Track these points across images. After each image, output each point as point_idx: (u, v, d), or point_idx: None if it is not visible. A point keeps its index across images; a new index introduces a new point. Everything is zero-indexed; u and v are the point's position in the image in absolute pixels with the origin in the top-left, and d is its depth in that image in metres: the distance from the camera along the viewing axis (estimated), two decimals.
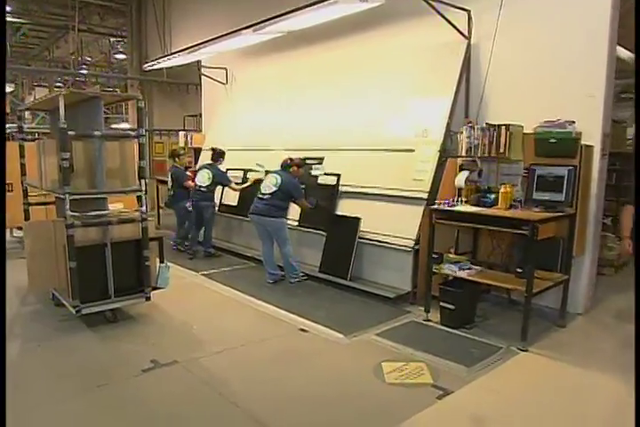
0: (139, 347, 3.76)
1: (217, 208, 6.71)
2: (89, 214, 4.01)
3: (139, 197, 4.16)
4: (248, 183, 6.43)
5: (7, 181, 6.34)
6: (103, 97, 4.10)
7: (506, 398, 3.04)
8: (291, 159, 5.34)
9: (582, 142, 4.14)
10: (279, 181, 5.18)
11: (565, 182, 4.01)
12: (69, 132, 3.77)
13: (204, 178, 6.47)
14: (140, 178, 4.15)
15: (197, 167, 7.01)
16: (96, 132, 4.02)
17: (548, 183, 4.09)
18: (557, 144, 4.10)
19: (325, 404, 2.94)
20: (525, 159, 4.34)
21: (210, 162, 6.62)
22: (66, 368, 3.41)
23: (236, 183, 6.60)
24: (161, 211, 8.95)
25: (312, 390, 3.10)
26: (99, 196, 4.18)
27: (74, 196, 3.86)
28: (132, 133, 4.24)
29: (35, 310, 4.61)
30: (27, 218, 5.00)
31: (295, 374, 3.32)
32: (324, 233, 5.34)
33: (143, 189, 4.16)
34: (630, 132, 12.23)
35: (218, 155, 6.56)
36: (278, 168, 5.37)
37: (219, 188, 6.63)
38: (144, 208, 4.18)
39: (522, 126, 4.30)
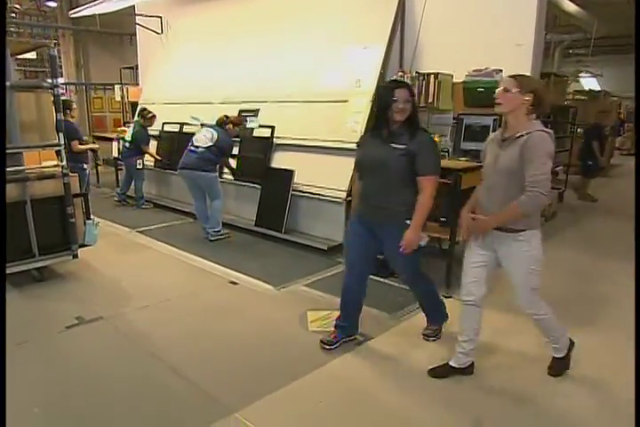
0: (65, 305, 3.70)
1: (143, 163, 6.75)
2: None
3: (58, 152, 3.99)
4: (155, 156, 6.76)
5: None
6: (8, 45, 3.80)
7: (419, 341, 3.15)
8: (227, 117, 5.21)
9: None
10: (215, 136, 5.04)
11: (491, 132, 4.05)
12: None
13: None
14: (58, 131, 3.96)
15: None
16: (5, 83, 3.77)
17: (474, 133, 4.14)
18: (485, 93, 4.10)
19: (246, 353, 2.98)
20: (456, 109, 4.36)
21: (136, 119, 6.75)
22: None
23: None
24: (101, 168, 8.65)
25: (234, 340, 3.14)
26: (13, 151, 3.97)
27: None
28: (46, 84, 3.99)
29: None
30: None
31: (219, 326, 3.35)
32: (258, 186, 5.28)
33: (62, 143, 3.98)
34: (573, 86, 12.42)
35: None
36: (214, 123, 5.22)
37: None
38: (64, 163, 4.01)
39: (451, 75, 4.29)
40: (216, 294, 3.87)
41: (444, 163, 3.89)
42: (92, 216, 4.38)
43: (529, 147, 2.24)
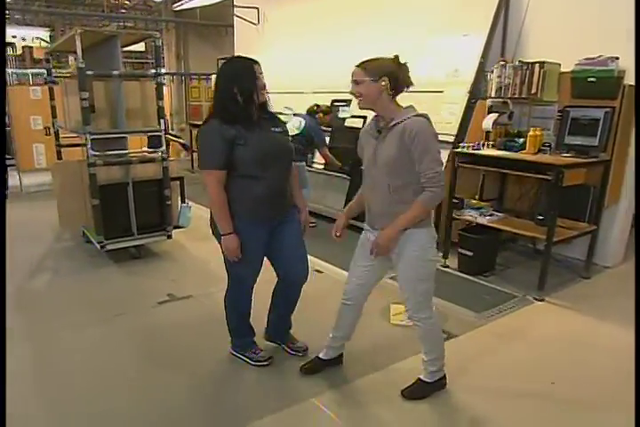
0: (158, 282, 3.92)
1: None
2: (110, 153, 4.08)
3: (158, 137, 4.19)
4: None
5: (45, 125, 6.67)
6: (119, 35, 4.04)
7: (509, 343, 3.00)
8: (317, 106, 5.25)
9: (626, 82, 3.81)
10: (303, 125, 5.09)
11: (601, 126, 3.72)
12: (87, 72, 3.78)
13: None
14: (159, 118, 4.17)
15: None
16: (114, 72, 4.01)
17: (581, 127, 3.82)
18: (597, 84, 3.78)
19: (325, 340, 2.96)
20: (561, 101, 4.05)
21: None
22: (89, 299, 3.61)
23: None
24: (195, 155, 9.05)
25: (315, 327, 3.14)
26: (119, 135, 4.23)
27: (94, 135, 3.92)
28: (150, 73, 4.20)
29: (67, 246, 4.84)
30: (59, 159, 5.18)
31: (302, 312, 3.31)
32: (347, 177, 5.24)
33: (162, 129, 4.18)
34: None
35: None
36: (304, 112, 5.27)
37: None
38: (163, 148, 4.21)
39: (559, 64, 3.98)
40: None
41: (543, 158, 3.66)
42: (186, 200, 4.59)
43: (412, 139, 2.03)
